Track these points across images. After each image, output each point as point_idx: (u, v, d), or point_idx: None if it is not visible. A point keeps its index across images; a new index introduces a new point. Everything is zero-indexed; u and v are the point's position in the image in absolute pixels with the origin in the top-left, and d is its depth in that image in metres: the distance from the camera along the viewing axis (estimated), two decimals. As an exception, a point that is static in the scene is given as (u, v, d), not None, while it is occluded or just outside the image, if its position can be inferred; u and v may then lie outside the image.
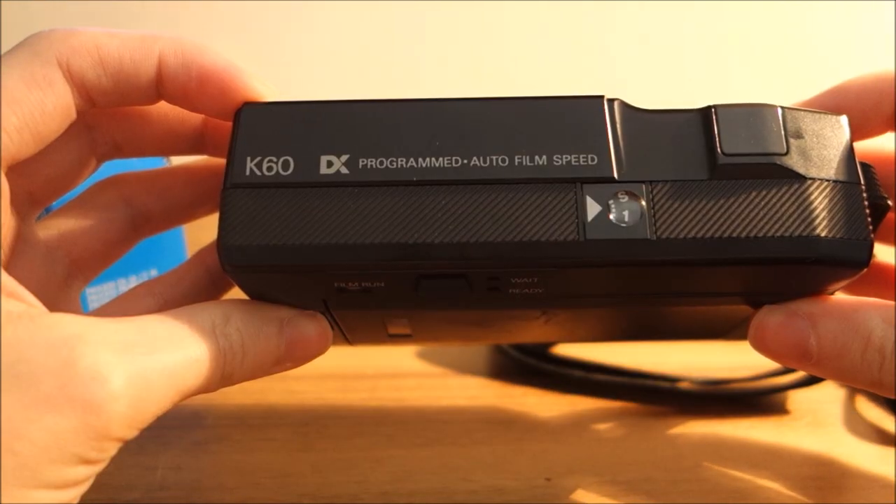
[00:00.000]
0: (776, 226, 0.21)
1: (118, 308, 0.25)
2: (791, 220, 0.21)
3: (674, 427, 0.36)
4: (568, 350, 0.41)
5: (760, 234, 0.21)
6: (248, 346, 0.22)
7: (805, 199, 0.22)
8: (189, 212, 0.28)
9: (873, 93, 0.26)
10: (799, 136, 0.22)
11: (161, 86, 0.23)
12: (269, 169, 0.22)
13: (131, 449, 0.33)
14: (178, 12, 0.60)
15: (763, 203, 0.22)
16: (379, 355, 0.41)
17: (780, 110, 0.23)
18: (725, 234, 0.21)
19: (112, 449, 0.19)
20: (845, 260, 0.22)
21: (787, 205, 0.22)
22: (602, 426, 0.36)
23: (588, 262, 0.22)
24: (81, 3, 0.58)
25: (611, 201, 0.22)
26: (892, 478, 0.33)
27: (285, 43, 0.61)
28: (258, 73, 0.24)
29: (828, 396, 0.38)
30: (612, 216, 0.22)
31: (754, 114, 0.23)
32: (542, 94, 0.23)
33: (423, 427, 0.36)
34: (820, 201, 0.22)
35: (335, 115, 0.23)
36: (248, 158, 0.22)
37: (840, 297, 0.23)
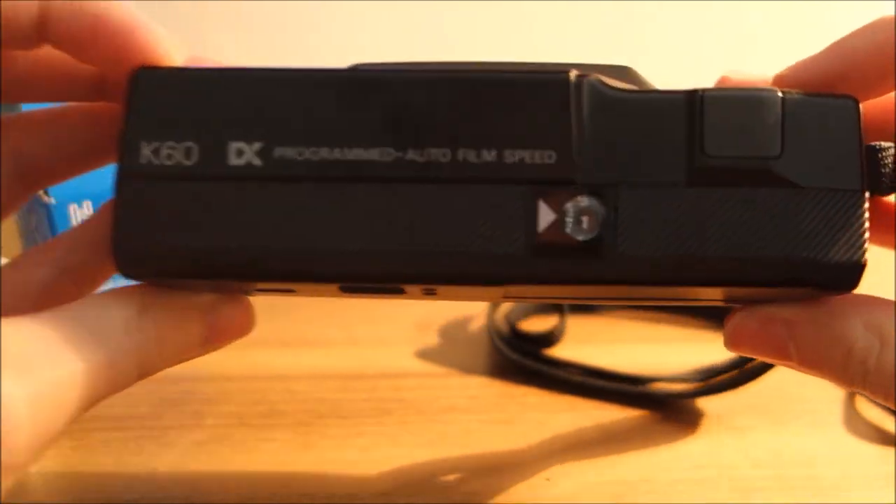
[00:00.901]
0: (759, 245, 0.19)
1: (7, 281, 0.22)
2: (777, 238, 0.19)
3: (674, 427, 0.36)
4: (567, 352, 0.41)
5: (739, 255, 0.19)
6: (167, 337, 0.20)
7: (796, 214, 0.19)
8: (89, 161, 0.24)
9: (884, 45, 0.21)
10: (799, 131, 0.19)
11: (45, 29, 0.20)
12: (169, 157, 0.19)
13: (131, 449, 0.34)
14: (178, 12, 0.60)
15: (746, 217, 0.19)
16: (379, 355, 0.41)
17: (780, 98, 0.19)
18: (698, 253, 0.19)
19: (10, 480, 0.17)
20: (831, 284, 0.19)
21: (775, 220, 0.19)
22: (602, 426, 0.36)
23: (535, 280, 0.19)
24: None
25: (568, 207, 0.19)
26: (892, 478, 0.33)
27: (285, 43, 0.61)
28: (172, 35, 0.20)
29: (828, 396, 0.38)
30: (567, 226, 0.19)
31: (749, 103, 0.19)
32: (501, 62, 0.20)
33: (423, 427, 0.36)
34: (813, 216, 0.19)
35: (248, 88, 0.19)
36: (144, 142, 0.19)
37: (820, 301, 0.21)
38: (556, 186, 0.19)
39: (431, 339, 0.44)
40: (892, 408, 0.20)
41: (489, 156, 0.19)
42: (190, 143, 0.19)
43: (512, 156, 0.19)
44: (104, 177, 0.35)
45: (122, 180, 0.19)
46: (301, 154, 0.19)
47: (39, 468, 0.32)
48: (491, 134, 0.19)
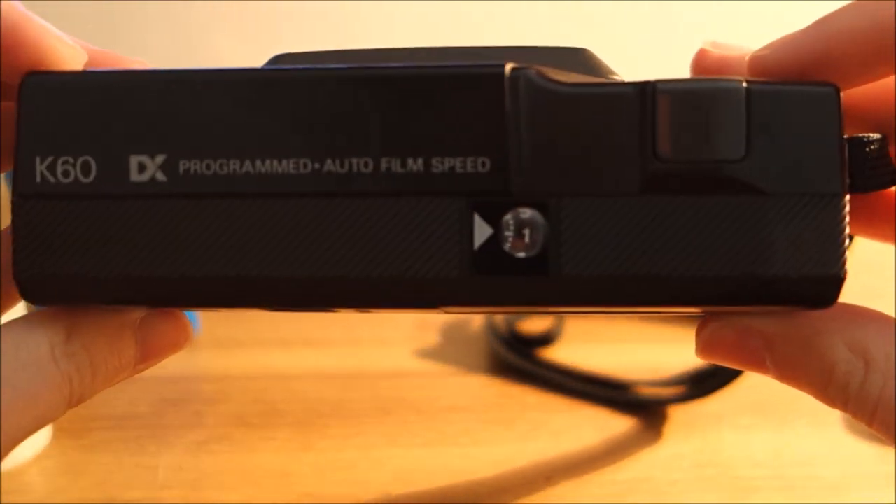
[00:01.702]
0: (722, 261, 0.16)
1: None
2: (742, 253, 0.16)
3: (674, 426, 0.36)
4: (567, 351, 0.41)
5: (699, 273, 0.16)
6: (98, 362, 0.18)
7: (762, 224, 0.16)
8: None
9: (872, 26, 0.18)
10: (767, 129, 0.17)
11: None
12: (66, 174, 0.17)
13: (131, 449, 0.34)
14: (178, 12, 0.60)
15: (707, 229, 0.17)
16: (379, 355, 0.41)
17: (744, 90, 0.16)
18: (651, 272, 0.17)
19: None
20: (806, 302, 0.17)
21: (738, 232, 0.17)
22: (601, 426, 0.36)
23: (471, 303, 0.17)
24: (78, 2, 0.58)
25: (506, 220, 0.17)
26: (892, 478, 0.33)
27: (285, 42, 0.61)
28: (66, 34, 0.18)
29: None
30: (506, 243, 0.17)
31: (708, 97, 0.16)
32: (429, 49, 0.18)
33: (423, 427, 0.36)
34: (783, 226, 0.17)
35: (148, 93, 0.17)
36: (38, 159, 0.17)
37: (800, 313, 0.18)
38: (492, 198, 0.17)
39: (431, 339, 0.44)
40: (877, 433, 0.18)
41: (415, 165, 0.17)
42: (87, 158, 0.17)
43: (441, 164, 0.17)
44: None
45: (17, 200, 0.17)
46: (209, 168, 0.17)
47: (40, 468, 0.32)
48: (417, 139, 0.17)
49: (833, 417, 0.37)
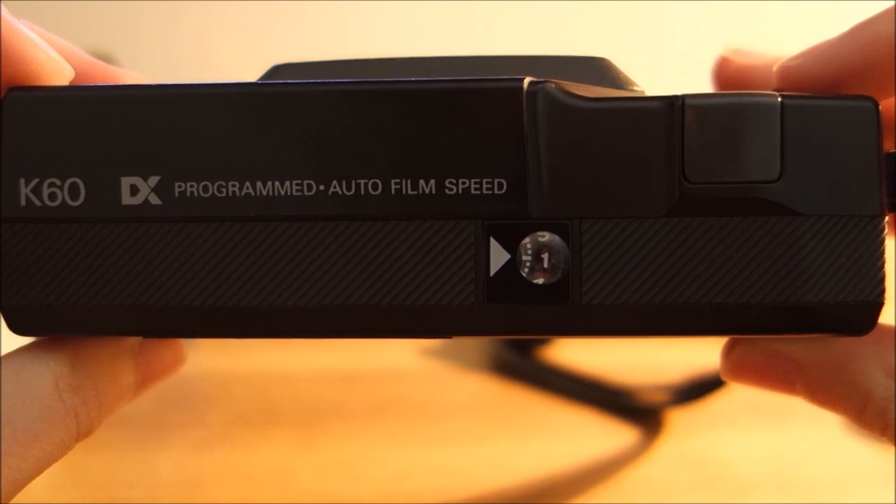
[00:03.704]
0: (754, 289, 0.16)
1: None
2: (776, 279, 0.16)
3: (674, 426, 0.36)
4: (566, 351, 0.41)
5: (729, 301, 0.16)
6: (104, 391, 0.17)
7: (797, 249, 0.16)
8: None
9: None
10: (802, 147, 0.15)
11: None
12: (53, 197, 0.16)
13: (133, 447, 0.34)
14: (178, 12, 0.60)
15: (738, 254, 0.16)
16: (379, 355, 0.41)
17: (779, 106, 0.15)
18: (679, 300, 0.16)
19: None
20: (840, 327, 0.16)
21: (771, 257, 0.16)
22: (601, 426, 0.36)
23: (487, 333, 0.17)
24: (79, 2, 0.58)
25: (524, 245, 0.16)
26: (892, 478, 0.33)
27: (285, 42, 0.61)
28: (52, 44, 0.17)
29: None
30: (524, 268, 0.16)
31: (741, 113, 0.15)
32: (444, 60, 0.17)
33: (423, 426, 0.36)
34: (819, 251, 0.16)
35: (140, 110, 0.16)
36: (23, 180, 0.16)
37: (831, 338, 0.18)
38: (509, 221, 0.16)
39: (431, 339, 0.44)
40: None
41: (427, 186, 0.16)
42: (75, 179, 0.16)
43: (454, 185, 0.16)
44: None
45: (1, 225, 0.16)
46: (206, 190, 0.16)
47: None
48: (429, 159, 0.16)
49: (833, 417, 0.37)
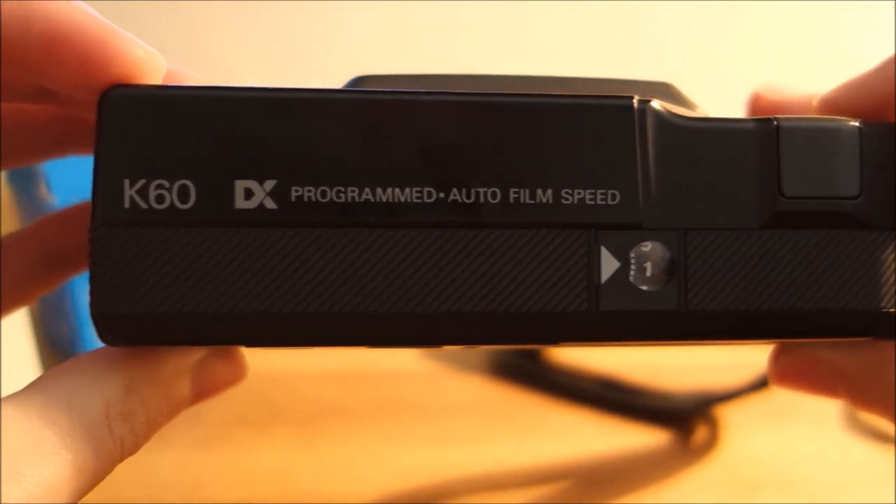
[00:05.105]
0: (835, 295, 0.17)
1: None
2: (854, 287, 0.17)
3: (673, 426, 0.36)
4: (566, 353, 0.41)
5: (816, 307, 0.17)
6: (154, 415, 0.17)
7: (873, 262, 0.17)
8: None
9: None
10: (879, 167, 0.17)
11: None
12: (160, 199, 0.15)
13: (132, 448, 0.34)
14: (177, 11, 0.60)
15: (822, 265, 0.17)
16: (379, 355, 0.41)
17: (857, 130, 0.17)
18: (773, 307, 0.17)
19: None
20: None
21: (851, 268, 0.17)
22: (600, 426, 0.36)
23: (597, 339, 0.17)
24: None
25: (632, 254, 0.16)
26: (892, 478, 0.33)
27: (286, 42, 0.61)
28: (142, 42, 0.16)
29: (828, 396, 0.38)
30: (632, 276, 0.16)
31: (826, 135, 0.17)
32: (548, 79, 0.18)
33: (423, 427, 0.36)
34: (889, 263, 0.17)
35: (254, 113, 0.16)
36: (127, 181, 0.15)
37: (870, 342, 0.19)
38: (620, 230, 0.16)
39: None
40: None
41: (545, 196, 0.16)
42: (185, 181, 0.15)
43: (570, 196, 0.16)
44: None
45: (100, 228, 0.15)
46: (324, 195, 0.16)
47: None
48: (547, 170, 0.16)
49: (833, 417, 0.37)
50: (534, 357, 0.40)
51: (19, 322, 0.38)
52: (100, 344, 0.16)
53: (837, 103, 0.19)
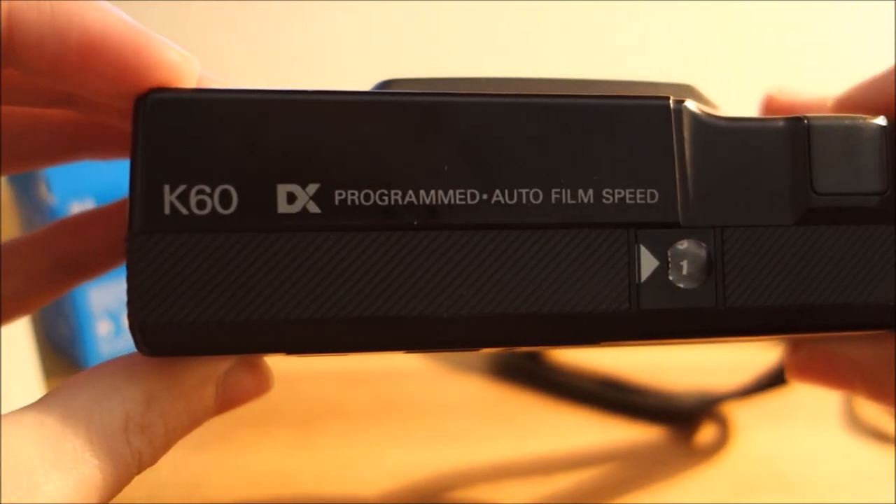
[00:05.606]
0: (866, 288, 0.17)
1: (7, 271, 0.20)
2: (884, 280, 0.17)
3: (673, 426, 0.36)
4: (566, 353, 0.41)
5: (848, 300, 0.17)
6: (173, 428, 0.16)
7: None
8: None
9: None
10: None
11: (12, 53, 0.15)
12: (201, 205, 0.15)
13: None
14: (177, 12, 0.60)
15: (853, 259, 0.17)
16: (379, 355, 0.41)
17: (883, 128, 0.17)
18: (808, 301, 0.17)
19: None
20: None
21: (881, 261, 0.17)
22: (600, 426, 0.36)
23: (637, 337, 0.17)
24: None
25: (671, 253, 0.17)
26: (892, 478, 0.33)
27: (287, 42, 0.61)
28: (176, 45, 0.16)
29: (828, 396, 0.38)
30: (671, 274, 0.16)
31: (853, 132, 0.17)
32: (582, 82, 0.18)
33: (423, 426, 0.36)
34: None
35: (294, 116, 0.16)
36: (167, 187, 0.15)
37: (885, 337, 0.19)
38: (659, 229, 0.16)
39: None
40: None
41: (586, 196, 0.16)
42: (227, 186, 0.15)
43: (611, 195, 0.16)
44: (105, 172, 0.35)
45: (139, 235, 0.15)
46: (368, 198, 0.16)
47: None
48: (587, 170, 0.16)
49: (833, 417, 0.37)
50: (534, 357, 0.40)
51: (19, 322, 0.38)
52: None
53: (855, 102, 0.20)
